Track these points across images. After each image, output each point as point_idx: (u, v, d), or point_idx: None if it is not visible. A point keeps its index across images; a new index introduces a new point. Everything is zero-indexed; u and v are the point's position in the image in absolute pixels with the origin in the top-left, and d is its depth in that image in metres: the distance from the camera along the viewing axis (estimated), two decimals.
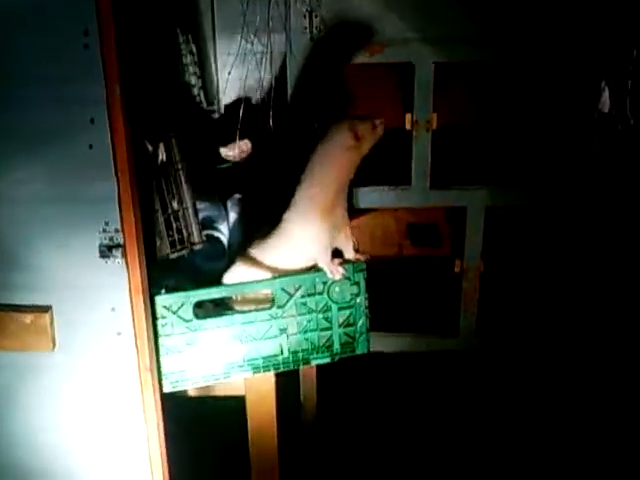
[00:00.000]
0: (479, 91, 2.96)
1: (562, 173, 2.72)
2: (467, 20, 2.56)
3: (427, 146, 2.68)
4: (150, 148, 2.00)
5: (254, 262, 2.07)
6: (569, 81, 2.64)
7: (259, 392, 2.16)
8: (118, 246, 1.74)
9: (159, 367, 1.93)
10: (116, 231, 1.74)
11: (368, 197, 2.75)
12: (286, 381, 2.24)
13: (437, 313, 2.99)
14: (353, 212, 2.48)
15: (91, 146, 1.68)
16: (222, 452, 2.70)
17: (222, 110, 2.96)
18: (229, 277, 2.07)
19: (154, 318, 1.89)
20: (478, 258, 2.83)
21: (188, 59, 2.72)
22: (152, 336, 1.88)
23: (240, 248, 2.17)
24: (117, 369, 1.86)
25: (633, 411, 2.56)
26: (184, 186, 2.07)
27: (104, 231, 1.74)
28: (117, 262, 1.76)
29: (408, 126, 2.68)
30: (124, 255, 1.75)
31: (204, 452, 2.69)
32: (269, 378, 2.12)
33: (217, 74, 2.95)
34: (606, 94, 2.44)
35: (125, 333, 1.82)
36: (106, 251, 1.75)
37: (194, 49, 2.73)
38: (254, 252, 2.09)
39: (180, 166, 2.05)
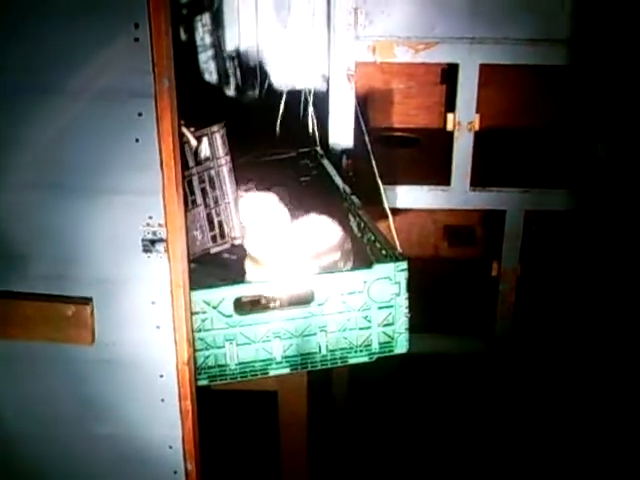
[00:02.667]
0: (524, 93, 2.95)
1: (608, 180, 2.69)
2: (517, 22, 2.54)
3: (469, 147, 2.68)
4: (194, 142, 2.00)
5: None
6: (619, 88, 2.62)
7: (291, 388, 2.16)
8: (161, 240, 1.74)
9: (196, 361, 1.93)
10: (159, 225, 1.73)
11: (407, 197, 2.74)
12: (318, 378, 2.24)
13: (473, 315, 2.98)
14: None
15: (138, 140, 1.67)
16: (254, 446, 2.70)
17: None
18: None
19: (194, 313, 1.89)
20: (516, 262, 2.82)
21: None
22: (191, 330, 1.88)
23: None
24: (155, 363, 1.85)
25: None
26: (227, 180, 2.06)
27: (147, 225, 1.73)
28: (159, 256, 1.75)
29: (450, 126, 2.66)
30: (166, 250, 1.75)
31: (236, 446, 2.69)
32: (301, 375, 2.11)
33: (258, 66, 2.96)
34: None
35: (164, 327, 1.82)
36: (149, 245, 1.74)
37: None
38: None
39: (223, 161, 2.05)
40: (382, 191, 2.28)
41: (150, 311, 1.81)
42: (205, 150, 2.03)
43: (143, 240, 1.74)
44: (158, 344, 1.83)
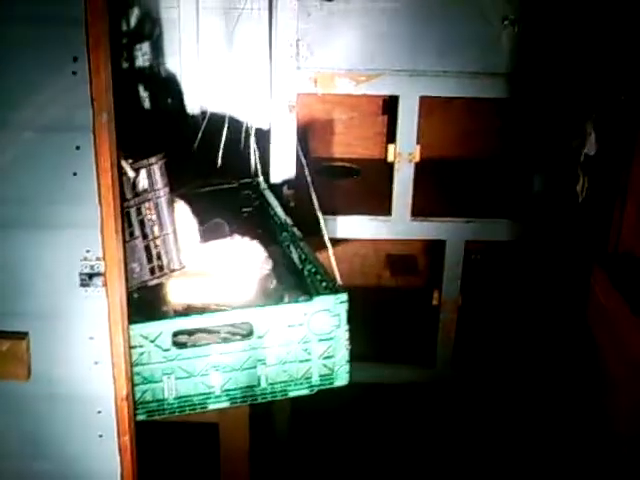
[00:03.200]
0: (465, 125, 2.99)
1: (546, 212, 2.74)
2: (457, 55, 2.59)
3: (409, 178, 2.70)
4: (132, 174, 1.99)
5: None
6: (557, 123, 2.67)
7: (232, 421, 2.15)
8: (99, 274, 1.72)
9: (134, 396, 1.91)
10: (97, 259, 1.71)
11: (349, 227, 2.75)
12: (259, 409, 2.22)
13: (415, 344, 2.99)
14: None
15: (75, 173, 1.66)
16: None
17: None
18: None
19: (131, 347, 1.87)
20: (456, 291, 2.85)
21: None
22: (130, 366, 1.86)
23: None
24: (93, 398, 1.83)
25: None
26: (165, 212, 2.06)
27: (85, 259, 1.71)
28: (97, 291, 1.73)
29: (391, 158, 2.69)
30: (104, 284, 1.73)
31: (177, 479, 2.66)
32: (243, 407, 2.10)
33: (200, 96, 2.95)
34: (592, 138, 2.46)
35: (103, 362, 1.80)
36: (86, 279, 1.72)
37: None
38: None
39: (162, 193, 2.04)
40: (322, 222, 2.29)
41: (88, 346, 1.79)
42: (143, 182, 2.02)
43: (81, 274, 1.72)
44: (96, 380, 1.81)
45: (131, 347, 1.87)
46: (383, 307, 3.07)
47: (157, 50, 2.87)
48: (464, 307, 2.89)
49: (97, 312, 1.75)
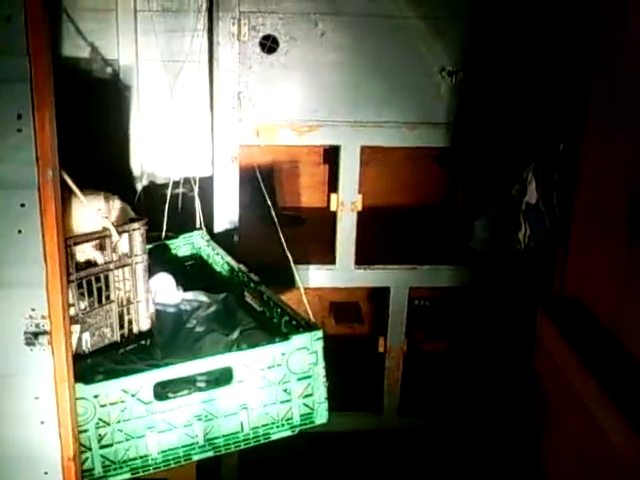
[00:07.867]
0: (406, 174, 3.06)
1: (489, 258, 2.81)
2: (396, 106, 2.67)
3: (352, 227, 2.73)
4: (117, 238, 1.96)
5: None
6: (498, 171, 2.76)
7: (180, 474, 2.12)
8: (44, 333, 1.66)
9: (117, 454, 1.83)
10: (42, 318, 1.66)
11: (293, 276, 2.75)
12: (208, 460, 2.15)
13: (361, 392, 2.99)
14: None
15: (20, 231, 1.61)
16: None
17: None
18: None
19: (112, 403, 1.80)
20: (401, 337, 2.87)
21: None
22: (76, 425, 1.78)
23: None
24: (39, 459, 1.75)
25: None
26: (141, 279, 2.04)
27: (30, 317, 1.65)
28: (42, 349, 1.67)
29: (334, 207, 2.72)
30: (50, 342, 1.67)
31: None
32: None
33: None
34: (533, 186, 2.55)
35: (49, 422, 1.73)
36: (31, 338, 1.66)
37: None
38: None
39: (140, 259, 2.02)
40: (293, 266, 2.31)
41: (34, 406, 1.72)
42: (124, 246, 2.00)
43: (26, 333, 1.67)
44: (42, 440, 1.74)
45: (112, 403, 1.80)
46: (328, 355, 3.05)
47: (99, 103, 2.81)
48: (410, 353, 2.91)
49: (43, 371, 1.69)
